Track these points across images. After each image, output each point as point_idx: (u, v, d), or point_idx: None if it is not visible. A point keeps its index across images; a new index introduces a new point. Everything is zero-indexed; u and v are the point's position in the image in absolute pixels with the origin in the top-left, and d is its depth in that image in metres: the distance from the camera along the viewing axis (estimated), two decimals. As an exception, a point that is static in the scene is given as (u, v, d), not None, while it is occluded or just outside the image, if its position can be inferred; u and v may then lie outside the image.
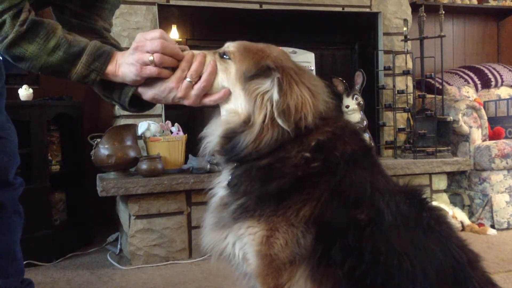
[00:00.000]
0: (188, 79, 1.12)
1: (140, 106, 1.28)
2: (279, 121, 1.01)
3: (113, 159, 2.54)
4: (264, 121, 1.02)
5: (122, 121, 2.81)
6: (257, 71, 1.06)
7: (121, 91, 1.23)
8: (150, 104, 1.27)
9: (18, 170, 2.45)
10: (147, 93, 1.18)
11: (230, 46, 1.12)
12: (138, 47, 1.13)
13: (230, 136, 1.07)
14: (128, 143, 2.61)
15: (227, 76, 1.11)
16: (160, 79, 1.16)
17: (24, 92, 2.72)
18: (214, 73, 1.12)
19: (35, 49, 1.13)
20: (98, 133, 2.71)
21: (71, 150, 2.95)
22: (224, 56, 1.12)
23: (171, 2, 2.99)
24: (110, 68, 1.17)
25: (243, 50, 1.10)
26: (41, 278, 2.32)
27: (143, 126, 2.68)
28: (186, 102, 1.15)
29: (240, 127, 1.06)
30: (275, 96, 1.02)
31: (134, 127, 2.68)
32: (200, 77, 1.12)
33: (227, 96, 1.11)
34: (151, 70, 1.12)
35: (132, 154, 2.60)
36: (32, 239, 2.49)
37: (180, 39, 2.95)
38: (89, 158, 2.69)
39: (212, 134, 1.13)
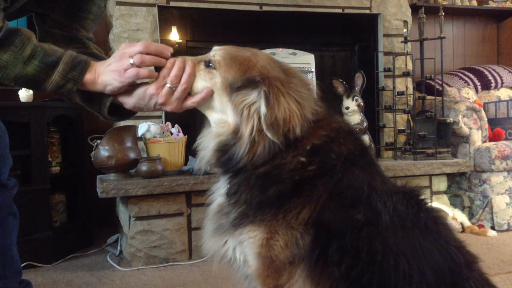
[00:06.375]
0: (168, 85, 1.12)
1: (121, 115, 1.28)
2: (268, 134, 1.01)
3: (113, 161, 2.55)
4: (251, 133, 1.03)
5: (122, 123, 2.81)
6: (243, 83, 1.06)
7: (100, 102, 1.22)
8: (131, 112, 1.27)
9: (18, 172, 2.48)
10: (129, 102, 1.18)
11: (216, 55, 1.11)
12: (122, 54, 1.13)
13: (224, 149, 1.08)
14: (128, 144, 2.61)
15: (213, 87, 1.10)
16: (140, 86, 1.15)
17: (24, 94, 2.73)
18: (193, 74, 1.12)
19: (9, 58, 1.11)
20: (98, 135, 2.72)
21: (71, 152, 2.96)
22: (210, 65, 1.11)
23: (171, 4, 2.99)
24: (89, 77, 1.15)
25: (229, 59, 1.09)
26: (41, 280, 2.32)
27: (143, 127, 2.68)
28: (168, 108, 1.14)
29: (231, 139, 1.06)
30: (263, 109, 1.02)
31: (134, 128, 2.69)
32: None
33: (210, 95, 1.11)
34: (131, 72, 1.12)
35: (132, 155, 2.60)
36: (32, 240, 2.50)
37: (180, 41, 2.95)
38: (89, 159, 2.69)
39: (206, 148, 1.13)
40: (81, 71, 1.15)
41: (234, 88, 1.07)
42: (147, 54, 1.12)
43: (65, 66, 1.14)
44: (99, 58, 1.32)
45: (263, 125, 1.01)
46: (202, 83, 1.12)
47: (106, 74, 1.14)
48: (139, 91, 1.16)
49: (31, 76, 1.13)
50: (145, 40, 2.85)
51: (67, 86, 1.15)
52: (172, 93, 1.12)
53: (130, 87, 1.17)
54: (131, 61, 1.11)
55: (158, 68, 1.15)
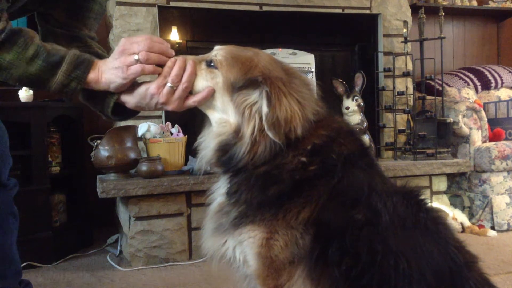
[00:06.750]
0: (169, 84, 1.12)
1: (124, 114, 1.28)
2: (270, 134, 1.01)
3: (113, 161, 2.55)
4: (253, 133, 1.03)
5: (122, 123, 2.81)
6: (245, 83, 1.06)
7: (103, 101, 1.23)
8: (133, 112, 1.27)
9: (18, 172, 2.48)
10: (130, 101, 1.19)
11: (218, 55, 1.12)
12: (123, 51, 1.13)
13: (224, 149, 1.08)
14: (128, 144, 2.61)
15: (215, 86, 1.11)
16: (141, 85, 1.16)
17: (25, 94, 2.73)
18: (194, 73, 1.12)
19: (13, 58, 1.11)
20: (98, 135, 2.71)
21: (71, 152, 2.95)
22: (212, 65, 1.12)
23: (171, 4, 2.99)
24: (92, 76, 1.16)
25: (231, 59, 1.09)
26: (41, 280, 2.32)
27: (143, 127, 2.68)
28: (170, 108, 1.15)
29: (232, 139, 1.06)
30: (265, 109, 1.02)
31: (134, 128, 2.69)
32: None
33: (211, 94, 1.11)
34: (135, 68, 1.12)
35: (132, 155, 2.60)
36: (32, 240, 2.50)
37: (180, 41, 2.95)
38: (89, 159, 2.69)
39: (207, 147, 1.13)
40: (84, 70, 1.15)
41: (236, 88, 1.07)
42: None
43: (68, 66, 1.14)
44: (102, 58, 1.32)
45: (264, 125, 1.01)
46: (203, 83, 1.12)
47: (109, 72, 1.15)
48: (140, 90, 1.16)
49: (35, 76, 1.13)
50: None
51: (71, 85, 1.15)
52: (173, 93, 1.13)
53: (131, 87, 1.18)
54: (136, 57, 1.11)
55: (160, 66, 1.15)
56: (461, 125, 3.20)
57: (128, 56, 1.12)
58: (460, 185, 3.31)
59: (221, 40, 1.25)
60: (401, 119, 3.44)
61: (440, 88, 3.43)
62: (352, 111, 3.18)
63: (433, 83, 3.58)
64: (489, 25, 4.64)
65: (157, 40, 1.16)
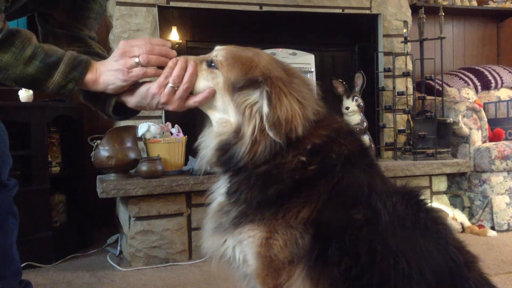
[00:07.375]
0: (170, 85, 1.12)
1: (125, 114, 1.29)
2: (271, 134, 1.02)
3: (113, 161, 2.55)
4: (253, 133, 1.03)
5: (122, 123, 2.81)
6: (245, 83, 1.06)
7: (104, 101, 1.23)
8: (134, 111, 1.28)
9: (18, 172, 2.48)
10: (131, 101, 1.19)
11: (218, 55, 1.12)
12: (124, 53, 1.13)
13: (225, 149, 1.08)
14: (128, 144, 2.61)
15: (216, 86, 1.11)
16: (142, 85, 1.16)
17: (25, 94, 2.73)
18: (195, 74, 1.12)
19: (10, 58, 1.11)
20: (98, 135, 2.71)
21: (71, 152, 2.96)
22: (212, 65, 1.12)
23: (171, 4, 2.99)
24: (90, 77, 1.16)
25: (231, 60, 1.10)
26: (41, 280, 2.32)
27: (143, 127, 2.68)
28: (170, 108, 1.15)
29: (233, 138, 1.07)
30: (265, 109, 1.02)
31: (134, 128, 2.69)
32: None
33: (212, 95, 1.11)
34: (137, 71, 1.12)
35: (132, 155, 2.60)
36: (32, 240, 2.50)
37: (180, 41, 2.95)
38: (89, 159, 2.69)
39: (207, 147, 1.14)
40: (82, 71, 1.15)
41: (236, 88, 1.07)
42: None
43: (66, 67, 1.14)
44: (103, 58, 1.32)
45: (265, 125, 1.02)
46: (204, 83, 1.13)
47: (108, 74, 1.15)
48: (141, 90, 1.16)
49: (32, 76, 1.14)
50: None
51: (68, 87, 1.15)
52: (174, 93, 1.13)
53: (132, 87, 1.18)
54: (136, 60, 1.12)
55: (161, 67, 1.16)
56: (461, 125, 3.20)
57: (129, 58, 1.13)
58: (460, 185, 3.31)
59: (221, 40, 1.25)
60: (401, 119, 3.44)
61: (440, 88, 3.43)
62: (352, 111, 3.18)
63: (433, 83, 3.58)
64: (489, 25, 4.64)
65: (157, 42, 1.17)
